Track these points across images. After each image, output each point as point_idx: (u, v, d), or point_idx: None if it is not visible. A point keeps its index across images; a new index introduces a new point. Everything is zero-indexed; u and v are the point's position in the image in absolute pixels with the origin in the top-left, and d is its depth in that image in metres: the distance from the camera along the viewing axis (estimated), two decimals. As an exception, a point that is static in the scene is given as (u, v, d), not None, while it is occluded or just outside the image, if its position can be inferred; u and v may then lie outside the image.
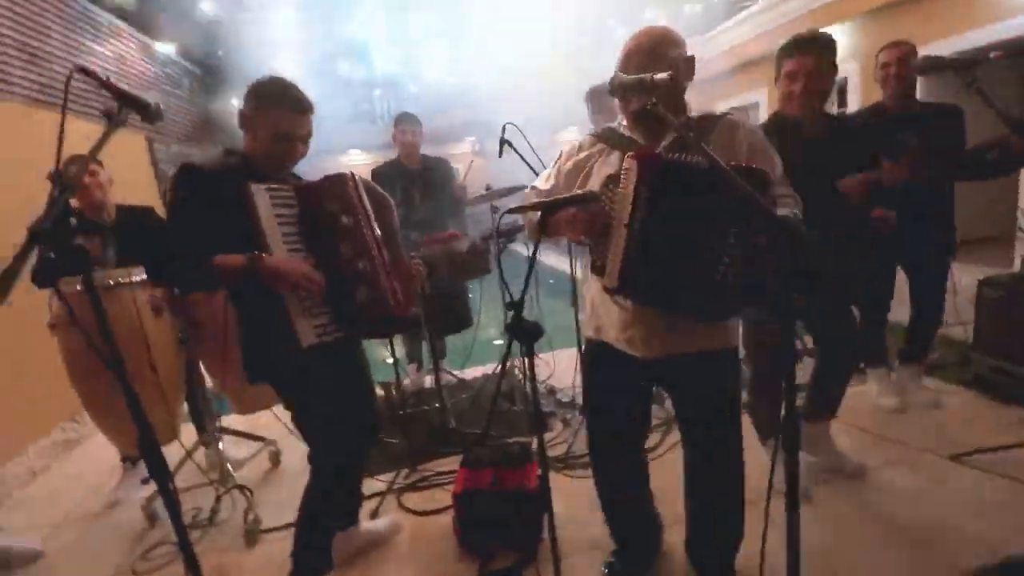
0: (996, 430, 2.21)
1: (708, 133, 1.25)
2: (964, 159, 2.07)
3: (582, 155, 1.37)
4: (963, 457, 2.05)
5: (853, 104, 6.01)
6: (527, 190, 1.52)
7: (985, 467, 1.98)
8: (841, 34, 5.94)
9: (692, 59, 1.27)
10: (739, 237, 1.06)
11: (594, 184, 1.28)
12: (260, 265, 1.27)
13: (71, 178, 0.82)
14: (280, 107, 1.40)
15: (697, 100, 1.32)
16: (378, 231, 1.51)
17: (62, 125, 0.86)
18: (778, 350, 1.79)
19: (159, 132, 6.31)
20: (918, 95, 2.31)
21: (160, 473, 0.96)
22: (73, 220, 0.82)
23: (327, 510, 1.63)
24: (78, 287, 2.00)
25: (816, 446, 2.05)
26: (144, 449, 0.94)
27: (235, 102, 8.45)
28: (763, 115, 7.22)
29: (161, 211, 1.84)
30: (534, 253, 1.23)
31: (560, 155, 1.42)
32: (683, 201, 1.10)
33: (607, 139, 1.34)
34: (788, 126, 1.78)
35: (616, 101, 1.28)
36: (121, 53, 5.44)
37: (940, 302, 2.42)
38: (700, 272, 1.10)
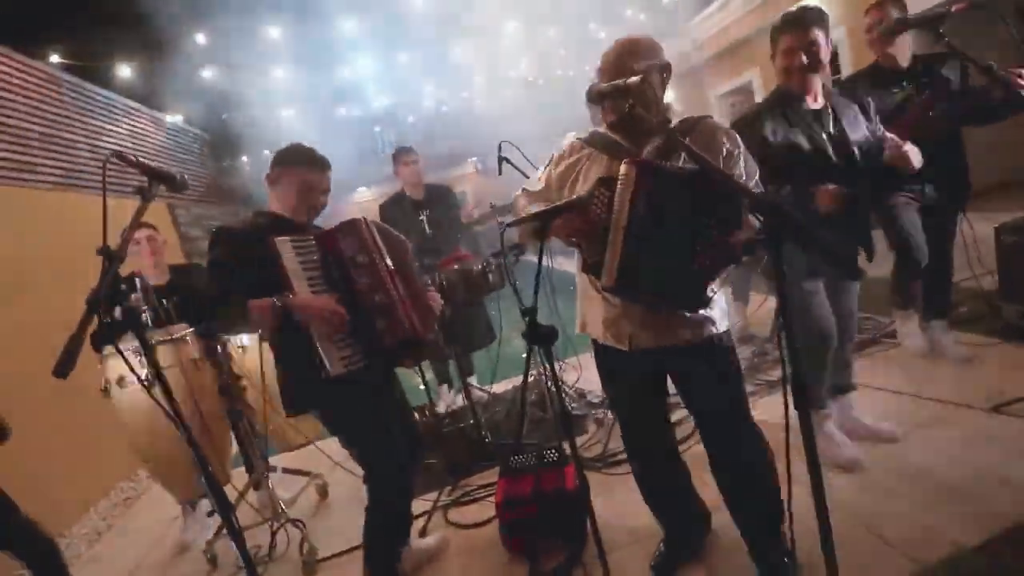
0: (1034, 375, 2.17)
1: (687, 135, 1.31)
2: (968, 102, 2.06)
3: (572, 158, 1.45)
4: (1004, 407, 2.02)
5: (846, 70, 5.97)
6: (517, 192, 1.60)
7: (1028, 414, 1.95)
8: (825, 1, 5.93)
9: (668, 66, 1.34)
10: (715, 227, 1.13)
11: (583, 186, 1.35)
12: (289, 303, 1.41)
13: (118, 251, 0.93)
14: (301, 165, 1.60)
15: (690, 89, 1.38)
16: (392, 265, 1.63)
17: (104, 204, 0.97)
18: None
19: (178, 198, 6.62)
20: (915, 48, 2.30)
21: (224, 508, 1.05)
22: (123, 286, 0.93)
23: (389, 530, 1.71)
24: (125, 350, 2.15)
25: (843, 420, 2.08)
26: (209, 486, 1.03)
27: (244, 159, 8.84)
28: (758, 96, 7.21)
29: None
30: (540, 259, 1.30)
31: (551, 159, 1.50)
32: (672, 202, 1.17)
33: (594, 143, 1.42)
34: (792, 99, 1.82)
35: (599, 110, 1.36)
36: (135, 129, 5.77)
37: (947, 252, 2.42)
38: (685, 264, 1.17)
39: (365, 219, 1.64)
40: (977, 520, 1.57)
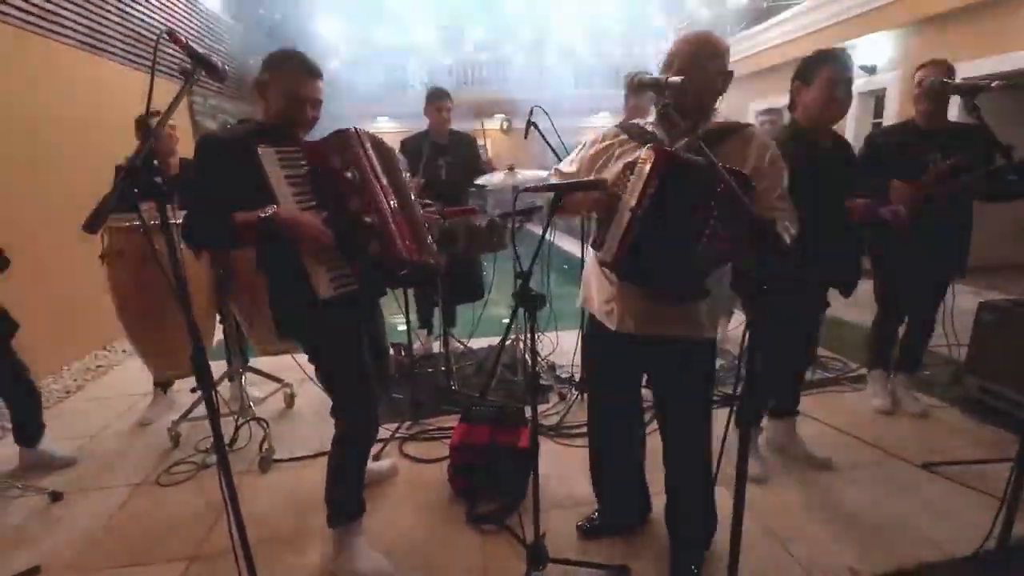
0: (972, 446, 2.30)
1: (723, 139, 1.35)
2: (985, 179, 2.11)
3: (605, 143, 1.48)
4: (933, 467, 2.15)
5: (889, 114, 5.94)
6: (551, 171, 1.64)
7: (954, 478, 2.07)
8: (883, 43, 5.84)
9: (730, 74, 1.37)
10: (717, 228, 1.16)
11: (614, 170, 1.37)
12: (275, 218, 1.33)
13: (156, 128, 0.97)
14: (291, 69, 1.49)
15: (731, 98, 1.41)
16: (386, 181, 1.53)
17: (152, 78, 1.00)
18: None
19: (199, 84, 6.46)
20: (955, 115, 2.32)
21: (207, 384, 1.12)
22: (156, 162, 0.97)
23: (352, 458, 1.70)
24: (127, 224, 2.19)
25: (784, 440, 2.25)
26: (195, 362, 1.10)
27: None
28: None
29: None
30: (545, 228, 1.37)
31: (585, 143, 1.54)
32: (683, 193, 1.21)
33: (630, 132, 1.45)
34: (804, 136, 1.85)
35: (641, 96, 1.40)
36: (168, 4, 5.58)
37: (930, 318, 2.52)
38: (682, 255, 1.21)
39: (357, 129, 1.51)
40: (874, 556, 1.71)
